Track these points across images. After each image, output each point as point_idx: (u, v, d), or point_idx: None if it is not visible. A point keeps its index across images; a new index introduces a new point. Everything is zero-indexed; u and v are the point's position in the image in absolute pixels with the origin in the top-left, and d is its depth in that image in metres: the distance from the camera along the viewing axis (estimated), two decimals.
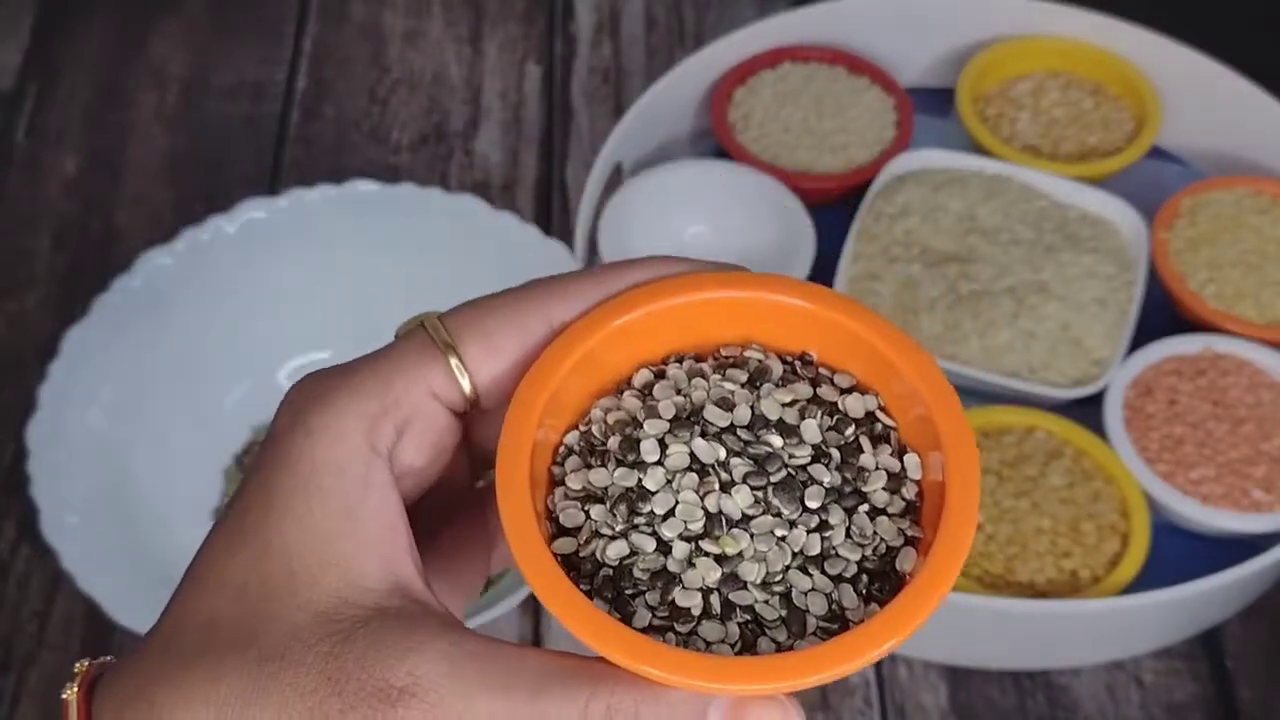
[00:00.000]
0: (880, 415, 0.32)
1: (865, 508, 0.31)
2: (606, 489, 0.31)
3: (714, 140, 0.86)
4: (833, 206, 0.81)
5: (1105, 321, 0.75)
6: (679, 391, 0.32)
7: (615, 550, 0.30)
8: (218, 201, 0.78)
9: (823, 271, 0.77)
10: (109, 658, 0.32)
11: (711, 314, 0.33)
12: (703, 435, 0.31)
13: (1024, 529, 0.68)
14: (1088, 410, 0.74)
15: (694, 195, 0.82)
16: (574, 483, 0.31)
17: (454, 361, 0.32)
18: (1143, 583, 0.66)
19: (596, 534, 0.31)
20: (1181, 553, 0.71)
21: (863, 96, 0.86)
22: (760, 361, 0.33)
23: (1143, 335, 0.75)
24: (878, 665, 0.68)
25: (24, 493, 0.66)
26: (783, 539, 0.30)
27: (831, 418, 0.32)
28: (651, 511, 0.30)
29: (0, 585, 0.70)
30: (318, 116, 0.92)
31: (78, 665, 0.31)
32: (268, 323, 0.74)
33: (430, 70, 0.95)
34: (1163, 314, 0.78)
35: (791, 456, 0.31)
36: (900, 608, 0.29)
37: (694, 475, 0.31)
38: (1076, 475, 0.70)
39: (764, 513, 0.30)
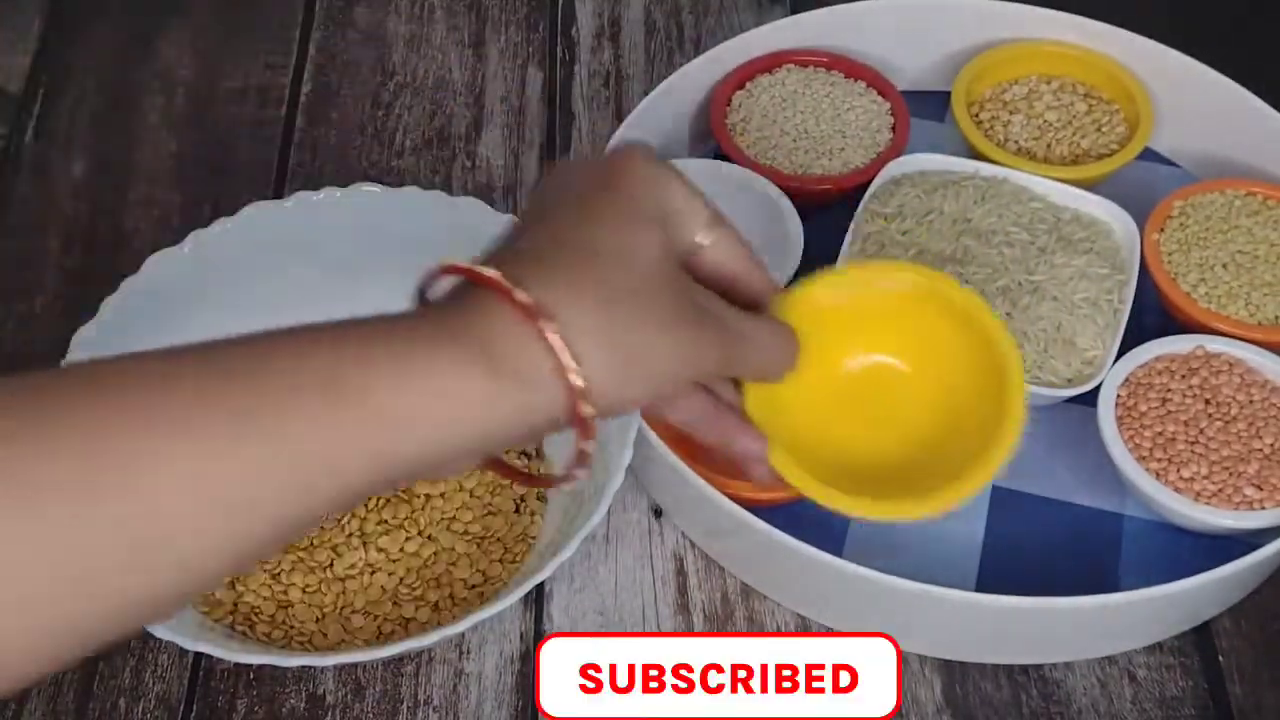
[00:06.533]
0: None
1: None
2: None
3: (713, 143, 0.87)
4: (830, 208, 0.82)
5: (1098, 322, 0.76)
6: None
7: None
8: (224, 204, 0.79)
9: None
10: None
11: None
12: None
13: None
14: (1081, 409, 0.74)
15: None
16: None
17: None
18: (1133, 576, 0.67)
19: None
20: (1174, 549, 0.72)
21: (859, 100, 0.87)
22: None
23: (1135, 336, 0.76)
24: None
25: None
26: None
27: None
28: None
29: None
30: (322, 120, 0.93)
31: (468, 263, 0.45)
32: (273, 324, 0.75)
33: (433, 74, 0.96)
34: (1155, 315, 0.79)
35: None
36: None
37: None
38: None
39: None
